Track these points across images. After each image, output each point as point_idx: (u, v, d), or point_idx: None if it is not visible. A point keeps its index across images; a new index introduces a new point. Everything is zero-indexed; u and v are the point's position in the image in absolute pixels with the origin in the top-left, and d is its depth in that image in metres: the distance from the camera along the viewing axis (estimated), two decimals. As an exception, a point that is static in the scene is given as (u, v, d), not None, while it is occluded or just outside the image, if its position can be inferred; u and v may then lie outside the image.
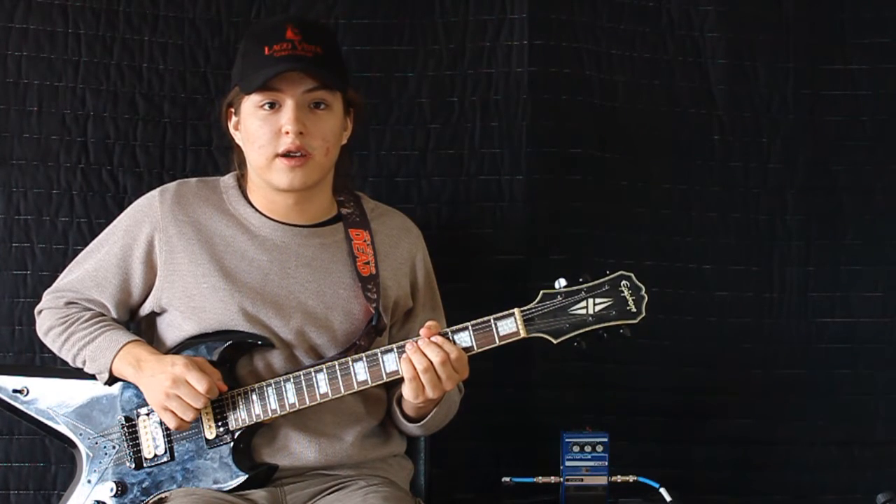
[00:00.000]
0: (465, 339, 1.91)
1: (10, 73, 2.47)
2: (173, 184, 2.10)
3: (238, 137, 2.05)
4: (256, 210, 2.06)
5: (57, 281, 2.13)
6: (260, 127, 1.97)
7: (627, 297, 1.89)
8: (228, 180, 2.11)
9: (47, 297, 2.12)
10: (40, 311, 2.13)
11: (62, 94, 2.48)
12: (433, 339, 1.90)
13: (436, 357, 1.88)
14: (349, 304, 2.04)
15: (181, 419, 1.94)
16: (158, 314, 2.07)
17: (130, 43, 2.50)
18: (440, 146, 2.56)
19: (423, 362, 1.88)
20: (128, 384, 2.03)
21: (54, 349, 2.10)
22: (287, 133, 1.95)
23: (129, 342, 2.01)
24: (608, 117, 2.58)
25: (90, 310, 2.08)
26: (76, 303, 2.08)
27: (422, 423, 2.05)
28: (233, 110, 2.04)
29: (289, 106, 1.95)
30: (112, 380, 2.02)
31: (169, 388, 1.92)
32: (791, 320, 2.60)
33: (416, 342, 1.90)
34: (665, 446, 2.57)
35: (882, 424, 2.60)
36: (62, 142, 2.48)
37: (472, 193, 2.56)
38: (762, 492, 2.60)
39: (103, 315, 2.08)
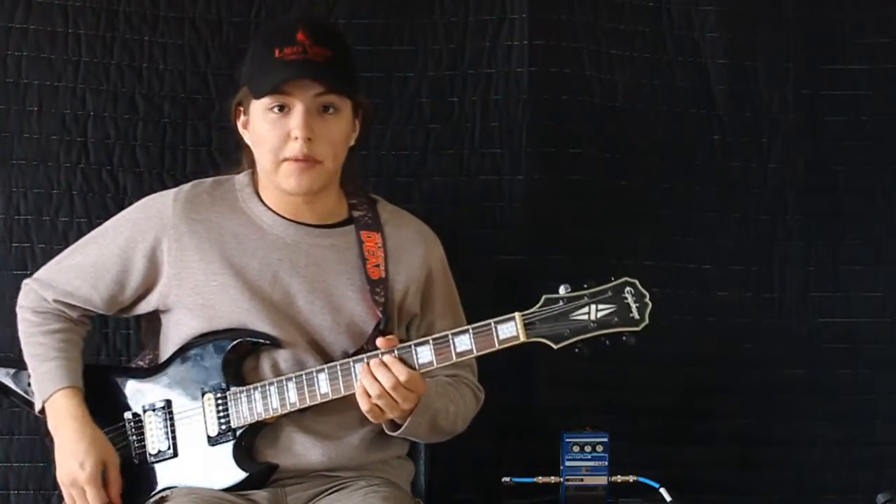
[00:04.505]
0: (464, 342, 1.90)
1: (10, 73, 2.46)
2: (188, 185, 2.09)
3: (247, 137, 2.04)
4: (269, 208, 2.05)
5: (55, 262, 2.09)
6: (269, 130, 1.95)
7: (630, 304, 1.87)
8: (243, 178, 2.10)
9: (37, 282, 2.07)
10: (28, 290, 2.08)
11: (62, 94, 2.47)
12: (384, 358, 1.88)
13: (386, 382, 1.87)
14: (357, 307, 2.03)
15: None
16: (164, 312, 2.07)
17: (130, 43, 2.49)
18: (440, 146, 2.55)
19: (375, 388, 1.87)
20: (136, 378, 2.05)
21: (19, 327, 2.08)
22: (296, 139, 1.93)
23: (62, 389, 1.99)
24: (608, 117, 2.58)
25: (63, 316, 2.05)
26: (59, 301, 2.05)
27: (398, 432, 1.99)
28: (242, 109, 2.02)
29: (298, 111, 1.93)
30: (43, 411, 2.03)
31: (69, 485, 1.98)
32: (791, 320, 2.60)
33: (369, 363, 1.89)
34: (665, 446, 2.56)
35: (882, 424, 2.60)
36: (62, 142, 2.48)
37: (472, 193, 2.55)
38: (762, 492, 2.60)
39: (72, 327, 2.06)
